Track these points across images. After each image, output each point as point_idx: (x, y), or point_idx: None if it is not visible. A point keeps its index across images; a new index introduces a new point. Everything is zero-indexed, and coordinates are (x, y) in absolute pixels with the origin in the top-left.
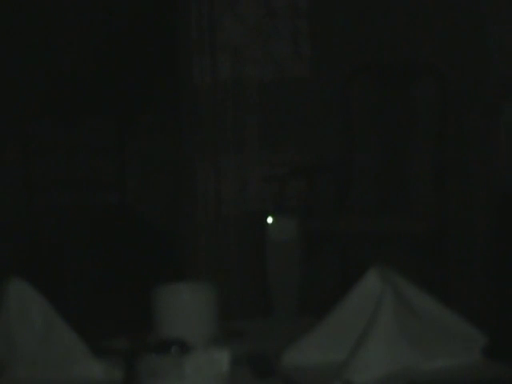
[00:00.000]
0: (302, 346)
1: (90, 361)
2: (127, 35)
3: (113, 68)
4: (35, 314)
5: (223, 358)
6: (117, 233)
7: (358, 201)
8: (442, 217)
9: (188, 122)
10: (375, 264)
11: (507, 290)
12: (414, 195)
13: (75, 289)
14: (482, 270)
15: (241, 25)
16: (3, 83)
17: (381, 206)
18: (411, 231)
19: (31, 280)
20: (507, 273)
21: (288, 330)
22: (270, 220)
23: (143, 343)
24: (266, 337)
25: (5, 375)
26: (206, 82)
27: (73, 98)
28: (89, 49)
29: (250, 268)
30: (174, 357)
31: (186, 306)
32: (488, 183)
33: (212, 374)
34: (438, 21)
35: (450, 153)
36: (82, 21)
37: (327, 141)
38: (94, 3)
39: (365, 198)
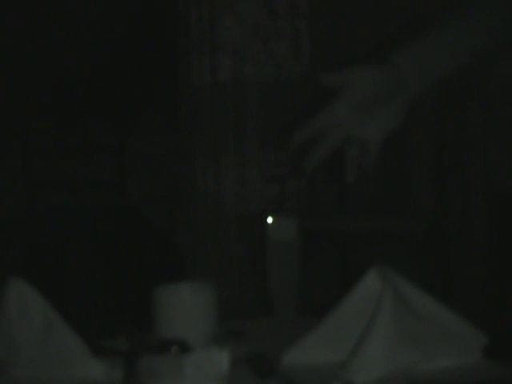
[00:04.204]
0: (301, 346)
1: (89, 361)
2: (127, 35)
3: (113, 68)
4: (35, 313)
5: (223, 358)
6: (117, 233)
7: (358, 201)
8: (441, 217)
9: (188, 122)
10: (375, 264)
11: (507, 290)
12: (414, 195)
13: (75, 288)
14: (482, 269)
15: (241, 25)
16: (3, 83)
17: (380, 206)
18: (411, 231)
19: (31, 280)
20: (507, 273)
21: (288, 329)
22: (270, 220)
23: (143, 343)
24: (266, 337)
25: (5, 375)
26: (206, 82)
27: (73, 98)
28: (89, 49)
29: (249, 268)
30: (174, 357)
31: (185, 306)
32: (488, 183)
33: (212, 373)
34: (438, 22)
35: (450, 153)
36: (81, 21)
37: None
38: (94, 3)
39: (365, 198)
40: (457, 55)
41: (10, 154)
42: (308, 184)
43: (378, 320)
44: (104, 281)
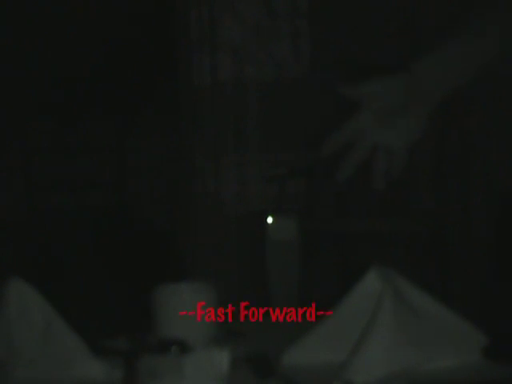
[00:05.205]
0: (301, 346)
1: (90, 361)
2: (126, 35)
3: (112, 68)
4: (35, 313)
5: (223, 358)
6: (117, 233)
7: (358, 201)
8: (442, 217)
9: (188, 122)
10: (375, 264)
11: (507, 290)
12: (414, 195)
13: (75, 288)
14: (482, 269)
15: (241, 25)
16: (3, 83)
17: (380, 206)
18: (411, 231)
19: (31, 280)
20: (507, 273)
21: (288, 330)
22: (270, 220)
23: (143, 343)
24: (265, 337)
25: (5, 375)
26: (206, 82)
27: (73, 98)
28: (88, 49)
29: (249, 268)
30: (174, 357)
31: (186, 306)
32: (488, 183)
33: (212, 373)
34: (438, 21)
35: (450, 153)
36: (81, 21)
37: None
38: (94, 3)
39: (365, 198)
40: (472, 63)
41: (10, 154)
42: (308, 184)
43: (378, 320)
44: (104, 281)
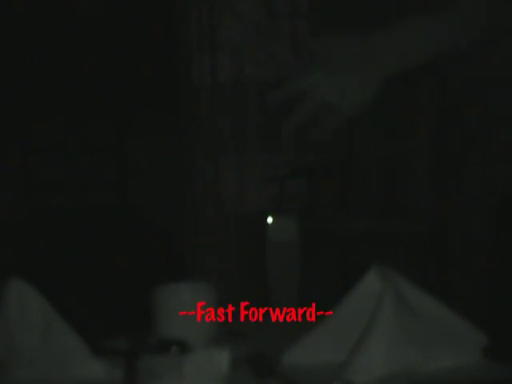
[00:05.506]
0: (301, 346)
1: (90, 361)
2: (126, 35)
3: (112, 68)
4: (35, 313)
5: (223, 358)
6: (117, 233)
7: (358, 201)
8: (441, 217)
9: (188, 122)
10: (375, 264)
11: (507, 290)
12: (414, 195)
13: (75, 288)
14: (482, 269)
15: (241, 25)
16: (3, 83)
17: (380, 206)
18: (411, 231)
19: (31, 280)
20: (507, 273)
21: (288, 329)
22: (270, 220)
23: (143, 343)
24: (266, 337)
25: (5, 375)
26: (206, 82)
27: (73, 98)
28: (88, 49)
29: (249, 268)
30: (174, 357)
31: (185, 306)
32: (488, 183)
33: (212, 374)
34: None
35: (450, 153)
36: (81, 21)
37: (327, 141)
38: (94, 3)
39: (365, 198)
40: (434, 39)
41: (10, 154)
42: (308, 184)
43: (379, 320)
44: (104, 281)
